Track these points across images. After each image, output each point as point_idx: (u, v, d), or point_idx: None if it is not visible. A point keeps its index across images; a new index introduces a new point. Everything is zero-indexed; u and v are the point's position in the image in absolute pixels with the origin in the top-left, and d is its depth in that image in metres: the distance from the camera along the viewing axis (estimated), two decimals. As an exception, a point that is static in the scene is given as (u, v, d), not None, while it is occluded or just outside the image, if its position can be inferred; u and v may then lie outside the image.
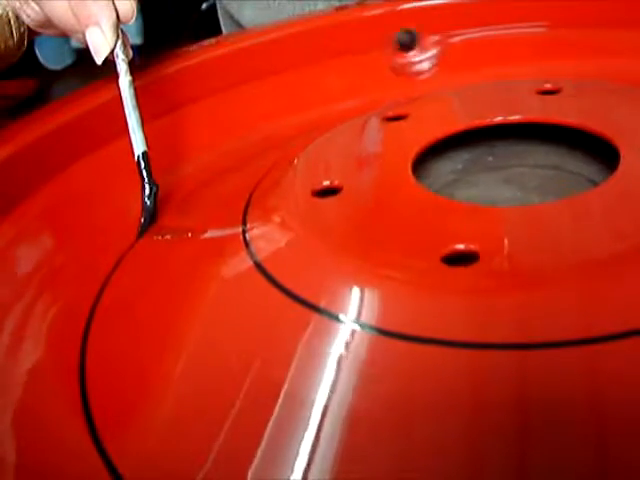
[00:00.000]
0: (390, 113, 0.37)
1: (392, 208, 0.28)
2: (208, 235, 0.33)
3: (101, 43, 0.38)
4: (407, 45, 0.38)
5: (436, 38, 0.40)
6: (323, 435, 0.22)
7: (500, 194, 0.35)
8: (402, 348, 0.22)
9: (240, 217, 0.30)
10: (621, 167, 0.28)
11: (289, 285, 0.25)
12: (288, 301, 0.25)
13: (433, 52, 0.37)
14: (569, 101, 0.36)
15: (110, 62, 0.39)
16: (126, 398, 0.27)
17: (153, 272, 0.33)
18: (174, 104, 0.46)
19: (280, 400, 0.23)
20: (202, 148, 0.44)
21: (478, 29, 0.50)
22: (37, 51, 1.94)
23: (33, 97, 1.74)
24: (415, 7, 0.50)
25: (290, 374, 0.23)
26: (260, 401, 0.23)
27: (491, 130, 0.35)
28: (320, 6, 0.59)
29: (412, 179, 0.29)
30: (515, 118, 0.34)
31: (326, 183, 0.31)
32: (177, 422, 0.25)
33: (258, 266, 0.27)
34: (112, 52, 0.39)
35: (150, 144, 0.38)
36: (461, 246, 0.25)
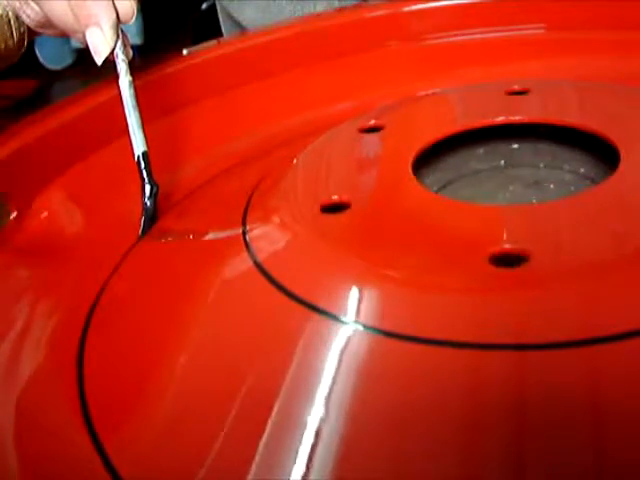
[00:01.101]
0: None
1: (393, 208, 0.28)
2: (208, 236, 0.33)
3: (101, 43, 0.38)
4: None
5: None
6: (323, 435, 0.22)
7: (500, 194, 0.35)
8: (402, 348, 0.22)
9: (240, 218, 0.30)
10: (621, 167, 0.28)
11: (289, 286, 0.25)
12: (288, 302, 0.25)
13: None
14: (568, 101, 0.36)
15: (110, 62, 0.39)
16: (125, 399, 0.27)
17: (153, 273, 0.33)
18: (174, 105, 0.46)
19: (280, 400, 0.23)
20: (202, 149, 0.44)
21: (478, 30, 0.50)
22: (37, 51, 1.94)
23: (33, 97, 1.74)
24: (415, 9, 0.50)
25: (290, 374, 0.23)
26: (260, 401, 0.23)
27: (490, 131, 0.35)
28: (320, 7, 0.59)
29: (413, 178, 0.29)
30: (515, 119, 0.34)
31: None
32: (176, 422, 0.25)
33: (258, 267, 0.27)
34: (112, 52, 0.39)
35: (150, 144, 0.38)
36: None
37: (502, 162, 0.36)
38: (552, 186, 0.35)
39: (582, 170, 0.35)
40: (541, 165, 0.36)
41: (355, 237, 0.27)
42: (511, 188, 0.35)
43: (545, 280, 0.23)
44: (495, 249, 0.24)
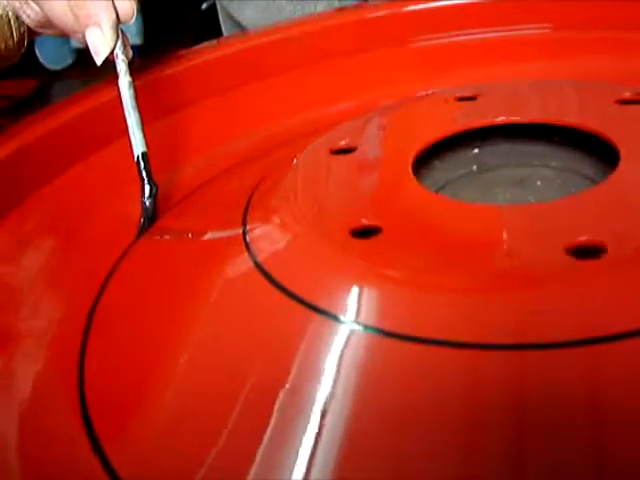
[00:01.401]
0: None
1: (392, 208, 0.28)
2: (208, 236, 0.33)
3: (101, 43, 0.38)
4: None
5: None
6: (324, 436, 0.22)
7: (499, 194, 0.35)
8: (402, 348, 0.22)
9: (240, 218, 0.30)
10: (620, 166, 0.28)
11: (289, 286, 0.25)
12: (289, 302, 0.25)
13: None
14: (568, 101, 0.36)
15: (110, 62, 0.39)
16: (124, 400, 0.27)
17: (152, 273, 0.33)
18: (174, 105, 0.46)
19: (280, 401, 0.23)
20: (202, 149, 0.44)
21: (478, 30, 0.50)
22: (37, 51, 1.94)
23: (33, 97, 1.74)
24: (414, 9, 0.50)
25: (291, 375, 0.23)
26: (260, 402, 0.23)
27: (490, 131, 0.35)
28: (320, 7, 0.59)
29: (412, 178, 0.29)
30: (514, 119, 0.34)
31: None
32: (176, 423, 0.25)
33: (259, 267, 0.27)
34: (112, 52, 0.39)
35: (150, 144, 0.38)
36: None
37: (499, 163, 0.36)
38: (551, 186, 0.35)
39: (581, 170, 0.35)
40: (540, 165, 0.36)
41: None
42: (510, 188, 0.35)
43: (545, 280, 0.23)
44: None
